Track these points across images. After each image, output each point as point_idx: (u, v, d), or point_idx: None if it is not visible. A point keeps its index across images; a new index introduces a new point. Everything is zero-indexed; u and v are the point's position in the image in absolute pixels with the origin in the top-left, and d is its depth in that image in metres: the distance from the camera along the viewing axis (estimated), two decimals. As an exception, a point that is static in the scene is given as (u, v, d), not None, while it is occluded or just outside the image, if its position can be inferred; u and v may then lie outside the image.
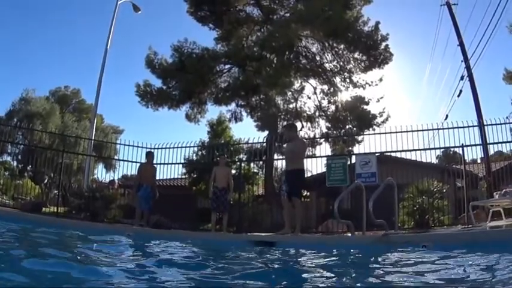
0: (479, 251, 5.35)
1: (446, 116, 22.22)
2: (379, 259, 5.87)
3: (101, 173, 67.35)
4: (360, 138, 21.57)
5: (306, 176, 11.23)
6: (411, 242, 6.76)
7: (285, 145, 13.01)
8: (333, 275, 4.76)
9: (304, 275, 4.76)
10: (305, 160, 12.08)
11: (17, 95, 46.89)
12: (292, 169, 9.96)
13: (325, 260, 6.12)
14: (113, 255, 5.76)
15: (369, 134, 18.21)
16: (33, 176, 36.11)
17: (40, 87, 68.99)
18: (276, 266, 5.61)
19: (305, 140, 11.85)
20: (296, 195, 9.91)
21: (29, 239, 7.04)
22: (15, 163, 40.73)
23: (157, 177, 15.61)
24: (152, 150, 16.06)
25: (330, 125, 24.21)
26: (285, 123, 24.52)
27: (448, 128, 15.20)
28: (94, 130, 23.33)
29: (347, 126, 23.37)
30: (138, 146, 17.59)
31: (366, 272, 4.87)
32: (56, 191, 30.87)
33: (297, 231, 9.74)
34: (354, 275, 4.81)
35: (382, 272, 4.73)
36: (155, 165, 15.09)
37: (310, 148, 22.13)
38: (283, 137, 13.50)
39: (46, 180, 38.32)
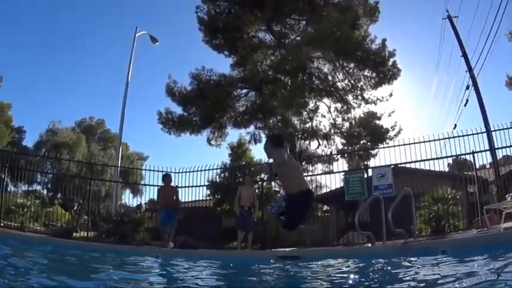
0: (497, 252, 5.38)
1: (455, 125, 22.22)
2: (401, 266, 5.93)
3: (128, 198, 67.34)
4: (374, 152, 21.53)
5: (310, 194, 7.42)
6: (430, 248, 6.80)
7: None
8: (357, 284, 4.83)
9: (328, 285, 4.83)
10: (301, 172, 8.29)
11: (43, 126, 47.61)
12: (291, 194, 6.86)
13: (349, 269, 6.18)
14: (145, 273, 5.92)
15: (383, 148, 18.21)
16: (62, 203, 36.43)
17: (66, 119, 69.58)
18: (301, 277, 5.69)
19: (282, 150, 6.90)
20: (286, 223, 6.97)
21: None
22: (45, 191, 41.16)
23: (183, 200, 15.69)
24: (169, 173, 15.62)
25: (345, 142, 24.22)
26: (302, 141, 24.68)
27: (458, 136, 15.20)
28: (120, 158, 23.59)
29: (361, 142, 23.36)
30: (162, 171, 17.73)
31: (389, 279, 4.93)
32: (85, 217, 31.11)
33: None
34: (377, 282, 4.88)
35: (405, 278, 4.79)
36: (176, 187, 15.06)
37: (327, 165, 22.22)
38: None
39: (75, 207, 38.63)
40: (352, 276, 5.52)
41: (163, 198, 13.65)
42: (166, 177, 14.38)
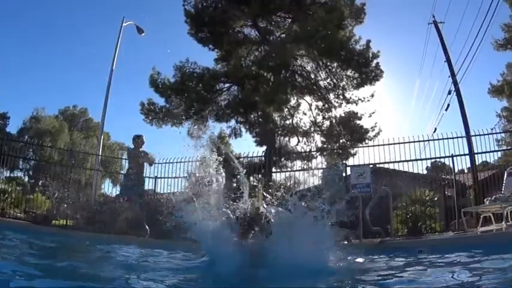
0: (474, 253, 5.34)
1: (435, 129, 22.33)
2: (378, 265, 5.83)
3: (107, 188, 66.95)
4: (353, 151, 21.51)
5: None
6: (408, 248, 6.73)
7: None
8: (334, 282, 4.72)
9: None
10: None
11: (27, 113, 47.09)
12: None
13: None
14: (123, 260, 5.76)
15: (363, 147, 18.27)
16: (43, 191, 35.95)
17: (49, 107, 69.06)
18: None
19: None
20: None
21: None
22: (26, 178, 40.61)
23: (161, 191, 15.36)
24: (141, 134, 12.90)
25: (324, 140, 24.17)
26: (282, 138, 24.57)
27: (438, 139, 15.29)
28: (101, 147, 23.32)
29: (341, 141, 23.32)
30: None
31: (365, 277, 4.82)
32: (65, 205, 30.75)
33: None
34: (352, 281, 4.76)
35: (382, 277, 4.69)
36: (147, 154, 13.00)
37: (306, 162, 22.18)
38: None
39: (56, 195, 38.20)
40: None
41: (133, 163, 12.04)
42: (138, 139, 12.38)
